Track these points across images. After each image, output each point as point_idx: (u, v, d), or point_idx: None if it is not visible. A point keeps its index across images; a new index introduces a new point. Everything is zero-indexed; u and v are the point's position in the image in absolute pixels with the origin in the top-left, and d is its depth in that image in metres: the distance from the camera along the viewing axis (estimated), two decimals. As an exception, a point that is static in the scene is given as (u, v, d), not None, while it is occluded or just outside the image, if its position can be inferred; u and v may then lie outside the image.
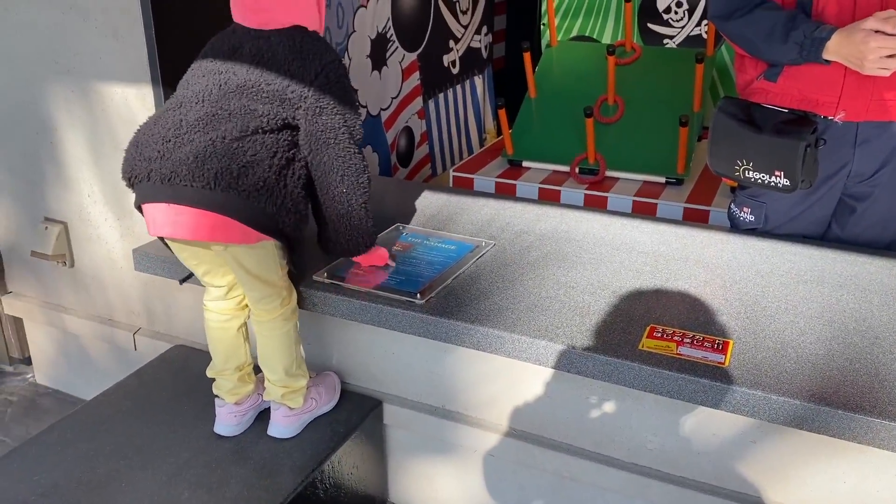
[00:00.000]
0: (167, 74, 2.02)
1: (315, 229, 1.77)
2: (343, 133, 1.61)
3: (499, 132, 4.13)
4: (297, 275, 1.76)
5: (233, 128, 1.52)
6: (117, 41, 2.06)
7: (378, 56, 3.21)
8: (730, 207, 2.18)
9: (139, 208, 1.61)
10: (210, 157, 1.48)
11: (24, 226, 2.49)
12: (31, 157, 2.37)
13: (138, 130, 1.59)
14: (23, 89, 2.28)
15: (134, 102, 2.11)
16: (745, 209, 2.10)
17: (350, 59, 3.00)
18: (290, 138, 1.58)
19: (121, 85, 2.11)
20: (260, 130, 1.54)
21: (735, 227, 2.17)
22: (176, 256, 1.72)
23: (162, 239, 1.68)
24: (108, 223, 2.32)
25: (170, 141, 1.52)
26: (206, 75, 1.61)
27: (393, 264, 1.89)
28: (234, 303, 1.77)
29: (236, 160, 1.49)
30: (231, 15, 1.69)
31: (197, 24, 2.10)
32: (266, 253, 1.61)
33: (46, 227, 2.41)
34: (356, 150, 1.63)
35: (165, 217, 1.54)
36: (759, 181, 1.88)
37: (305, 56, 1.59)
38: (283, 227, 1.57)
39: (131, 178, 1.57)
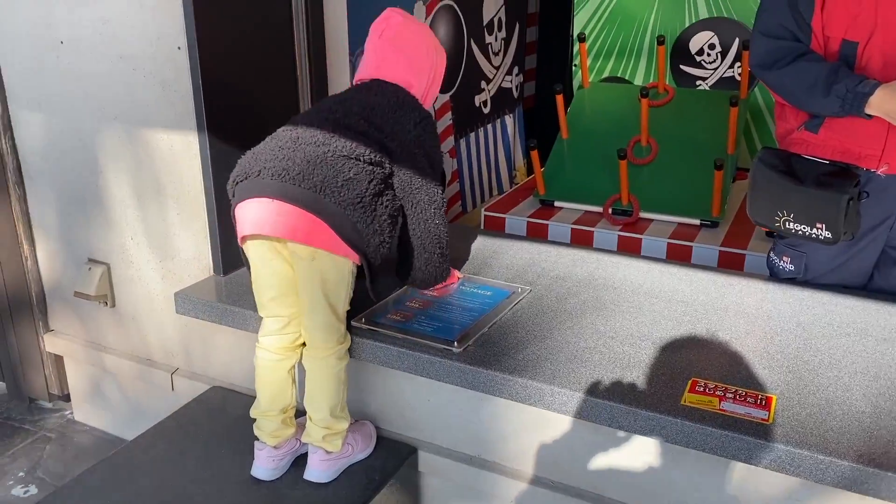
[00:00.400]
0: (213, 122, 2.07)
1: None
2: (432, 175, 1.81)
3: (529, 171, 4.15)
4: (375, 299, 1.86)
5: (342, 147, 1.70)
6: (164, 90, 2.12)
7: (412, 98, 3.25)
8: (769, 255, 2.16)
9: (232, 214, 1.74)
10: (320, 165, 1.66)
11: (68, 266, 2.55)
12: (77, 200, 2.43)
13: (254, 147, 1.76)
14: (72, 134, 2.35)
15: (179, 148, 2.16)
16: (784, 258, 2.08)
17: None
18: (382, 175, 1.73)
19: (167, 132, 2.16)
20: (362, 159, 1.70)
21: (774, 275, 2.14)
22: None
23: (243, 256, 1.78)
24: (150, 265, 2.37)
25: (285, 148, 1.71)
26: (318, 116, 1.79)
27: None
28: (288, 340, 1.79)
29: (341, 174, 1.66)
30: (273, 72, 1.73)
31: (242, 73, 2.16)
32: (346, 272, 1.72)
33: (90, 268, 2.46)
34: (442, 189, 1.86)
35: (266, 215, 1.66)
36: (801, 233, 1.86)
37: (406, 108, 1.81)
38: (366, 247, 1.69)
39: (238, 177, 1.71)
